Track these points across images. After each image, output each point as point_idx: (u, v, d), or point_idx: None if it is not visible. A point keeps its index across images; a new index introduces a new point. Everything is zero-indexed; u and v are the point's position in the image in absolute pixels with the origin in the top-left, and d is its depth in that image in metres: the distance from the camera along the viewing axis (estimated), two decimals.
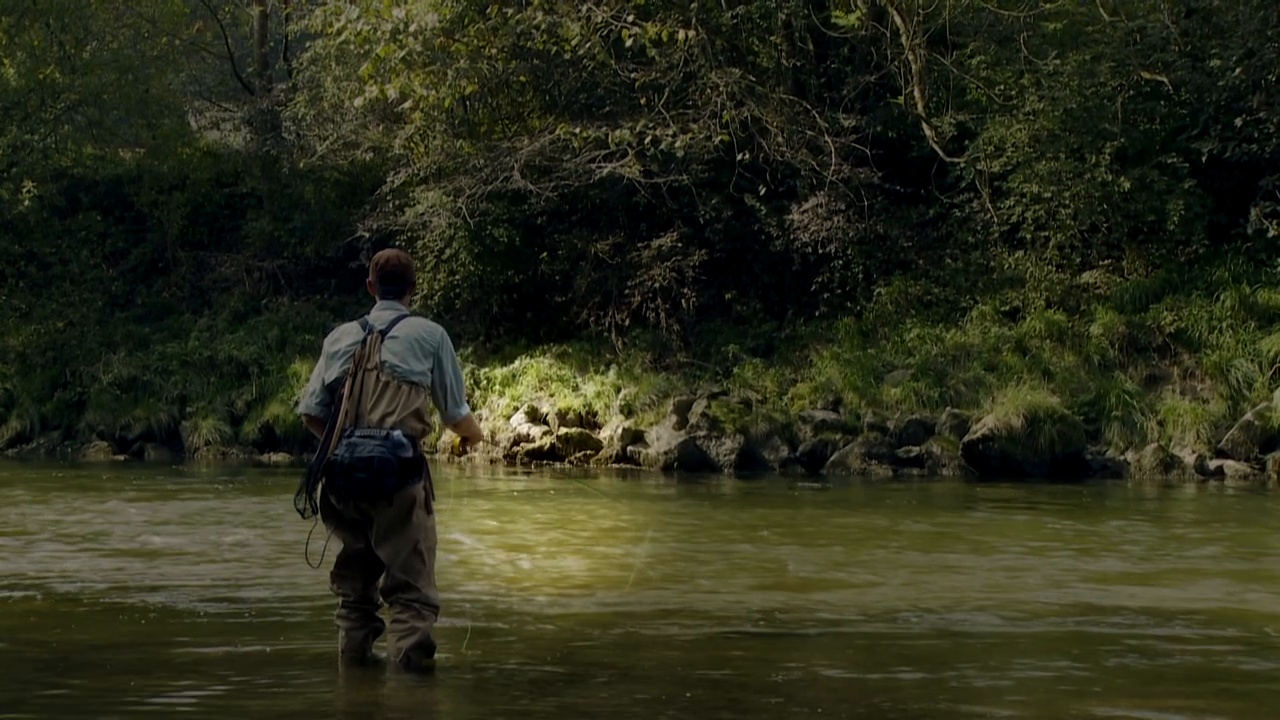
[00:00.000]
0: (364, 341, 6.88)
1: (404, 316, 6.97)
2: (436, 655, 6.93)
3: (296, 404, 24.10)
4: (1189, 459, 18.82)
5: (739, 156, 22.60)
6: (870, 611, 8.76)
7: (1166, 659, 7.44)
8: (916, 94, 22.84)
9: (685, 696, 6.49)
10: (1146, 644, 7.78)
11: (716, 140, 22.22)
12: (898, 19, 22.47)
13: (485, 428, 22.88)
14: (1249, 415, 18.89)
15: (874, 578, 10.15)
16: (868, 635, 8.07)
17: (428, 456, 6.99)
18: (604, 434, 21.88)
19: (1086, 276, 21.93)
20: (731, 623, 8.42)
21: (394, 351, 6.82)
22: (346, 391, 6.82)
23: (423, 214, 24.02)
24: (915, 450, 19.92)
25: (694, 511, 14.98)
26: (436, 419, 7.17)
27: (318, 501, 6.84)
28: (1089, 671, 7.09)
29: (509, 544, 12.06)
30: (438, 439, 20.54)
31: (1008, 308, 21.94)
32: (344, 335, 7.00)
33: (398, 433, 6.69)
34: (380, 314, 7.00)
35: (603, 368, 23.23)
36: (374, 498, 6.70)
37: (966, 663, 7.35)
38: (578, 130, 22.42)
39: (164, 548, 11.83)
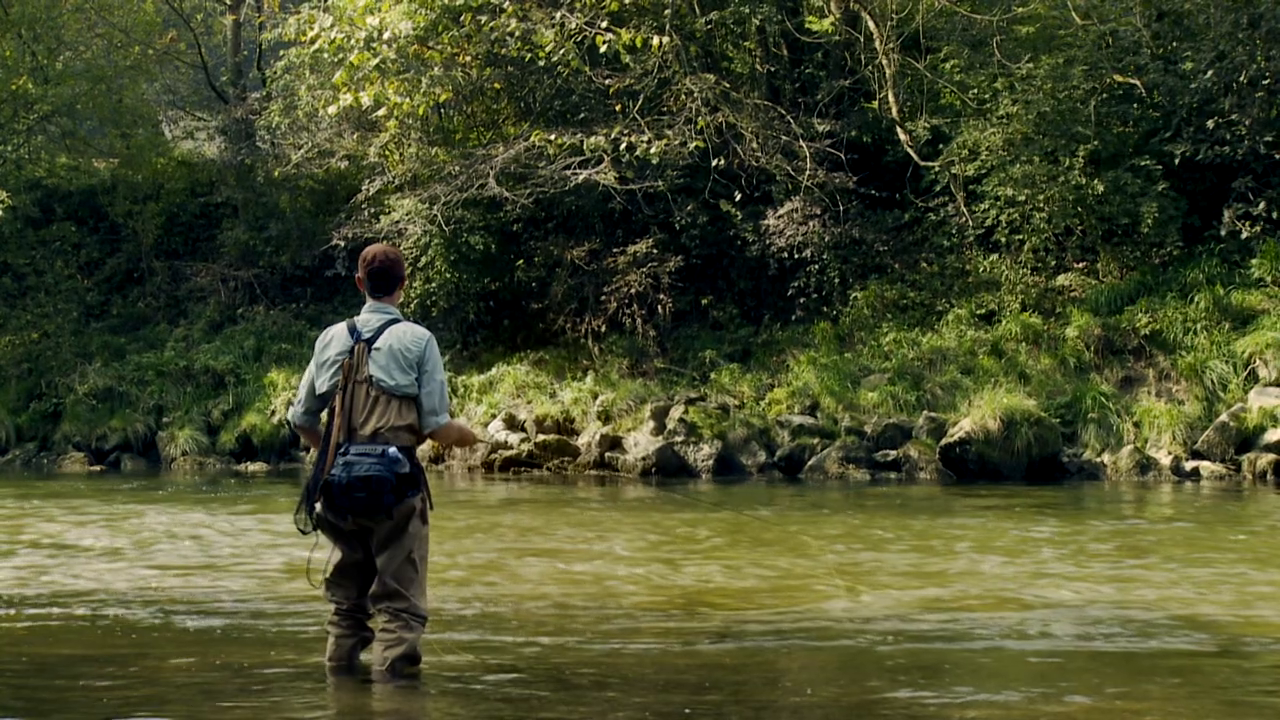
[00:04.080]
0: (352, 351, 6.83)
1: (391, 323, 6.87)
2: (421, 665, 6.91)
3: (273, 414, 24.13)
4: (1165, 461, 18.89)
5: (714, 162, 22.62)
6: (992, 628, 8.52)
7: None
8: (890, 99, 22.91)
9: (684, 712, 6.44)
10: None
11: (691, 146, 22.20)
12: (871, 24, 22.54)
13: None
14: (1224, 416, 18.97)
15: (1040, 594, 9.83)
16: (940, 651, 7.88)
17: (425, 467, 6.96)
18: (582, 440, 21.86)
19: (1061, 279, 22.00)
20: (853, 637, 8.26)
21: (379, 364, 6.76)
22: (338, 405, 6.80)
23: (398, 222, 23.99)
24: (892, 454, 19.96)
25: (843, 518, 14.73)
26: None
27: (315, 519, 6.84)
28: None
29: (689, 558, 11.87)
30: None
31: (983, 311, 22.00)
32: (333, 341, 6.93)
33: (393, 449, 6.67)
34: (368, 317, 6.91)
35: (580, 374, 23.22)
36: (373, 514, 6.70)
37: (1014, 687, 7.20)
38: (553, 137, 22.36)
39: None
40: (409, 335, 6.83)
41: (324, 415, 7.01)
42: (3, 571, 11.08)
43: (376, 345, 6.79)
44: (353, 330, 6.89)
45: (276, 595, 9.78)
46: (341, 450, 6.71)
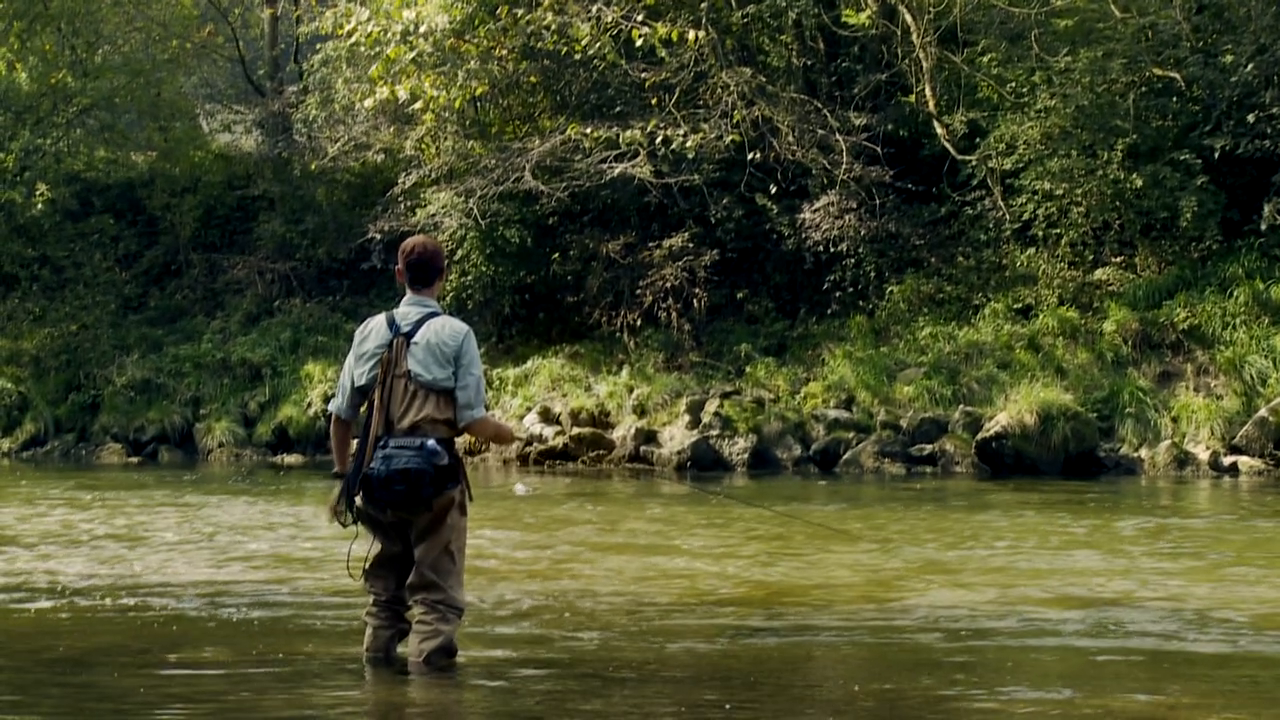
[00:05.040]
0: (390, 344, 6.83)
1: (430, 316, 6.85)
2: (458, 658, 6.92)
3: (309, 406, 24.21)
4: (1203, 456, 18.79)
5: (750, 156, 22.57)
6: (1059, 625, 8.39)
7: None
8: (928, 92, 22.81)
9: (724, 707, 6.39)
10: None
11: (727, 140, 22.20)
12: (908, 17, 22.45)
13: None
14: (1263, 411, 18.85)
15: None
16: (1005, 649, 7.72)
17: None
18: (617, 434, 21.87)
19: (1099, 273, 21.88)
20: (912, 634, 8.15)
21: (417, 359, 6.75)
22: (376, 399, 6.80)
23: (434, 215, 24.04)
24: (928, 448, 19.90)
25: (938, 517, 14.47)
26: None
27: (355, 511, 6.86)
28: None
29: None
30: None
31: (1020, 305, 21.90)
32: (371, 334, 6.92)
33: (432, 441, 6.67)
34: (407, 310, 6.91)
35: (615, 368, 23.22)
36: (412, 507, 6.71)
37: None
38: (589, 130, 22.41)
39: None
40: (447, 329, 6.81)
41: (362, 408, 7.03)
42: (68, 563, 11.09)
43: (415, 339, 6.78)
44: (391, 323, 6.88)
45: (326, 588, 9.78)
46: (380, 443, 6.72)
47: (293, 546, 12.13)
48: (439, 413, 6.75)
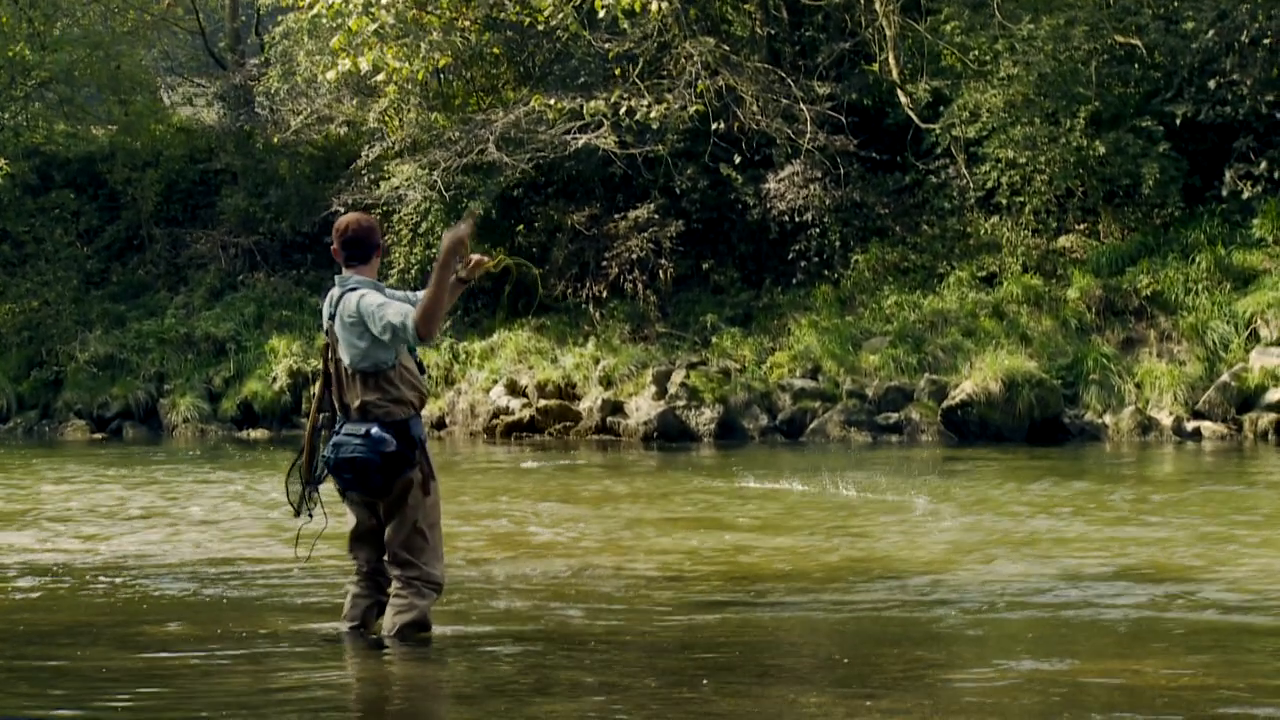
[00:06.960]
0: (329, 330, 6.87)
1: (344, 294, 6.76)
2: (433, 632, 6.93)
3: (274, 380, 24.14)
4: (1166, 421, 18.92)
5: (714, 126, 22.56)
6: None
7: None
8: (891, 60, 22.83)
9: (700, 678, 6.38)
10: None
11: (691, 110, 22.18)
12: None
13: (465, 401, 22.88)
14: (1225, 376, 18.99)
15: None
16: (1027, 621, 7.53)
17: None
18: (583, 405, 21.89)
19: (1062, 241, 21.99)
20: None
21: (339, 347, 6.78)
22: (321, 384, 6.90)
23: (398, 188, 23.95)
24: (894, 417, 19.98)
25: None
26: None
27: (310, 506, 6.99)
28: None
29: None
30: None
31: (984, 273, 21.98)
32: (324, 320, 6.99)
33: (376, 429, 6.65)
34: (335, 292, 6.85)
35: (581, 340, 23.22)
36: (368, 492, 6.76)
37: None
38: (552, 102, 22.35)
39: None
40: (346, 308, 6.72)
41: (315, 388, 7.08)
42: (72, 541, 11.01)
43: (335, 323, 6.78)
44: (330, 306, 6.89)
45: (336, 566, 9.71)
46: (335, 428, 6.79)
47: (317, 524, 11.97)
48: (380, 394, 6.73)
